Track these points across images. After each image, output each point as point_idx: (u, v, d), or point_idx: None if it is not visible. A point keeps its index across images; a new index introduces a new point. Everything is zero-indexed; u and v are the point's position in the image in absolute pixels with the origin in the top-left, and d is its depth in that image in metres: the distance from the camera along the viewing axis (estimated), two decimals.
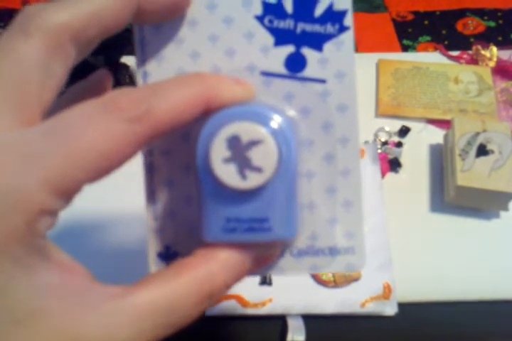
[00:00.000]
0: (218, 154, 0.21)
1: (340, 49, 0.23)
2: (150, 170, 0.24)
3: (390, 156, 0.50)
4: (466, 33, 0.68)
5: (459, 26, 0.69)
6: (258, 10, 0.23)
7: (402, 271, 0.43)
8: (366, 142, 0.51)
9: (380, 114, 0.54)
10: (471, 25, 0.69)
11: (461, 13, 0.71)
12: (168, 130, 0.19)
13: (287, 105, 0.23)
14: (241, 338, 0.41)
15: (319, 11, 0.23)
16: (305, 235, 0.24)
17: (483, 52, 0.57)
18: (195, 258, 0.21)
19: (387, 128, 0.53)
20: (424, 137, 0.53)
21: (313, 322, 0.40)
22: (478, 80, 0.55)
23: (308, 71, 0.23)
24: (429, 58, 0.60)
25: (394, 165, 0.50)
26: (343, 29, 0.23)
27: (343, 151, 0.24)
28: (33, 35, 0.18)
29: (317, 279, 0.42)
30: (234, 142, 0.21)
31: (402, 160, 0.50)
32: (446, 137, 0.50)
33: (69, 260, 0.19)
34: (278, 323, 0.41)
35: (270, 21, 0.23)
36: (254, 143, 0.21)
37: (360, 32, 0.69)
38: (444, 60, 0.60)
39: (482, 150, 0.45)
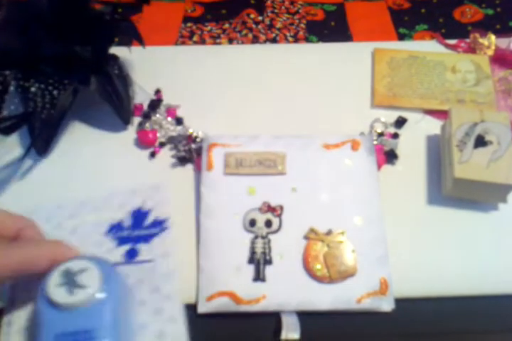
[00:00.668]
0: (53, 281, 0.30)
1: (163, 240, 0.40)
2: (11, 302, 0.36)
3: (386, 148, 0.49)
4: (464, 21, 0.66)
5: (457, 14, 0.68)
6: (105, 228, 0.40)
7: (398, 266, 0.42)
8: (362, 133, 0.50)
9: (375, 104, 0.53)
10: (468, 13, 0.67)
11: (459, 1, 0.69)
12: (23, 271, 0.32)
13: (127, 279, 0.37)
14: (234, 336, 0.40)
15: (147, 222, 0.41)
16: None
17: (481, 40, 0.56)
18: None
19: (383, 119, 0.51)
20: (421, 128, 0.51)
21: (308, 318, 0.39)
22: (476, 69, 0.54)
23: (140, 257, 0.39)
24: (426, 47, 0.59)
25: (390, 157, 0.48)
26: (163, 229, 0.41)
27: (167, 304, 0.37)
28: None
29: (312, 275, 0.41)
30: (66, 272, 0.30)
31: (399, 151, 0.49)
32: (443, 128, 0.48)
33: None
34: (272, 320, 0.40)
35: (114, 233, 0.40)
36: (81, 270, 0.30)
37: (356, 21, 0.68)
38: (441, 48, 0.59)
39: (480, 141, 0.43)
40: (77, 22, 0.47)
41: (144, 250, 0.38)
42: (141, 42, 0.51)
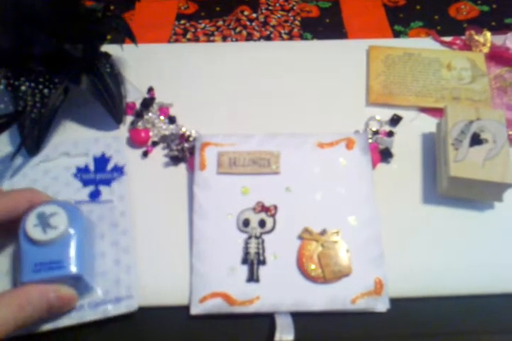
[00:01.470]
0: (30, 222, 0.38)
1: (121, 184, 0.46)
2: None
3: (381, 146, 0.48)
4: (459, 18, 0.66)
5: (452, 11, 0.67)
6: (74, 171, 0.47)
7: (393, 265, 0.42)
8: (356, 132, 0.50)
9: (370, 102, 0.53)
10: (464, 10, 0.67)
11: None
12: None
13: (88, 215, 0.43)
14: (228, 338, 0.39)
15: (109, 167, 0.47)
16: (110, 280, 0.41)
17: (476, 37, 0.56)
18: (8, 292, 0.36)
19: (378, 117, 0.51)
20: (416, 126, 0.51)
21: (302, 319, 0.39)
22: (472, 66, 0.53)
23: (102, 197, 0.45)
24: (421, 44, 0.58)
25: (385, 155, 0.48)
26: (121, 174, 0.46)
27: (124, 238, 0.43)
28: None
29: (306, 275, 0.41)
30: (40, 215, 0.38)
31: (394, 150, 0.49)
32: (438, 126, 0.48)
33: None
34: (266, 321, 0.39)
35: (81, 176, 0.46)
36: (52, 213, 0.38)
37: (351, 17, 0.67)
38: (437, 46, 0.58)
39: (476, 140, 0.43)
40: (68, 20, 0.46)
41: (105, 191, 0.45)
42: (134, 39, 0.50)
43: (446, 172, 0.43)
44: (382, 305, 0.40)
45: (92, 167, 0.47)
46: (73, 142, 0.49)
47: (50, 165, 0.47)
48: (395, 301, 0.40)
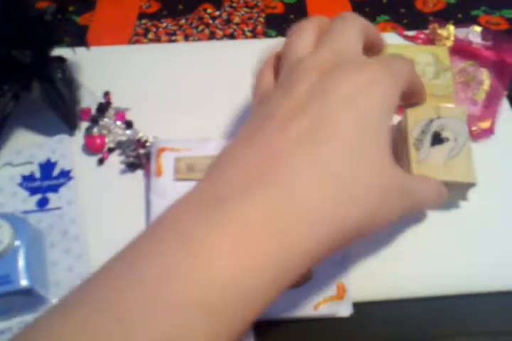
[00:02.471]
0: None
1: (69, 189, 0.45)
2: None
3: None
4: (426, 11, 0.65)
5: (419, 3, 0.66)
6: (19, 180, 0.45)
7: (356, 268, 0.41)
8: None
9: None
10: (430, 2, 0.66)
11: None
12: None
13: (37, 225, 0.42)
14: None
15: (55, 172, 0.46)
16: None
17: (439, 31, 0.54)
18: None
19: None
20: None
21: (263, 327, 0.38)
22: (435, 61, 0.52)
23: (50, 205, 0.44)
24: (387, 39, 0.57)
25: None
26: (69, 179, 0.45)
27: (75, 244, 0.42)
28: None
29: None
30: None
31: None
32: (399, 124, 0.47)
33: None
34: None
35: (27, 184, 0.45)
36: None
37: (316, 12, 0.66)
38: (401, 40, 0.57)
39: (437, 139, 0.42)
40: (15, 24, 0.45)
41: (53, 198, 0.44)
42: (85, 43, 0.49)
43: (409, 173, 0.42)
44: (344, 311, 0.39)
45: (37, 174, 0.46)
46: (16, 151, 0.47)
47: None
48: (357, 305, 0.39)
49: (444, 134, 0.42)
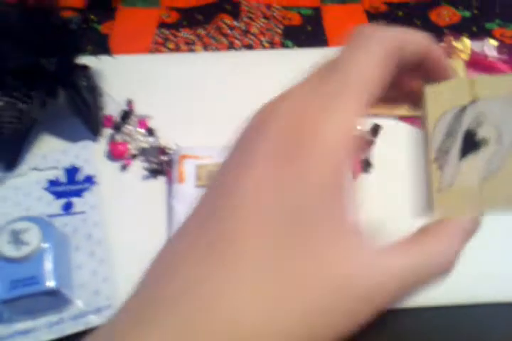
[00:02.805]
0: (3, 240, 0.38)
1: (93, 194, 0.46)
2: None
3: (362, 156, 0.48)
4: (441, 24, 0.66)
5: (433, 17, 0.67)
6: (45, 185, 0.47)
7: None
8: None
9: None
10: (446, 16, 0.67)
11: (436, 3, 0.69)
12: None
13: (62, 228, 0.43)
14: None
15: (80, 177, 0.47)
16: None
17: (455, 44, 0.55)
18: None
19: (358, 127, 0.51)
20: (395, 135, 0.51)
21: None
22: None
23: (75, 209, 0.45)
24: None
25: (365, 165, 0.48)
26: (92, 184, 0.47)
27: (99, 248, 0.43)
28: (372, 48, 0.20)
29: None
30: (12, 232, 0.38)
31: (374, 160, 0.48)
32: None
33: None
34: None
35: (53, 189, 0.46)
36: (24, 230, 0.38)
37: (332, 24, 0.67)
38: None
39: (470, 143, 0.23)
40: (42, 33, 0.46)
41: (77, 203, 0.45)
42: (108, 52, 0.50)
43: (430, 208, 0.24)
44: None
45: (63, 179, 0.47)
46: (42, 156, 0.49)
47: (20, 181, 0.47)
48: None
49: (481, 133, 0.22)
